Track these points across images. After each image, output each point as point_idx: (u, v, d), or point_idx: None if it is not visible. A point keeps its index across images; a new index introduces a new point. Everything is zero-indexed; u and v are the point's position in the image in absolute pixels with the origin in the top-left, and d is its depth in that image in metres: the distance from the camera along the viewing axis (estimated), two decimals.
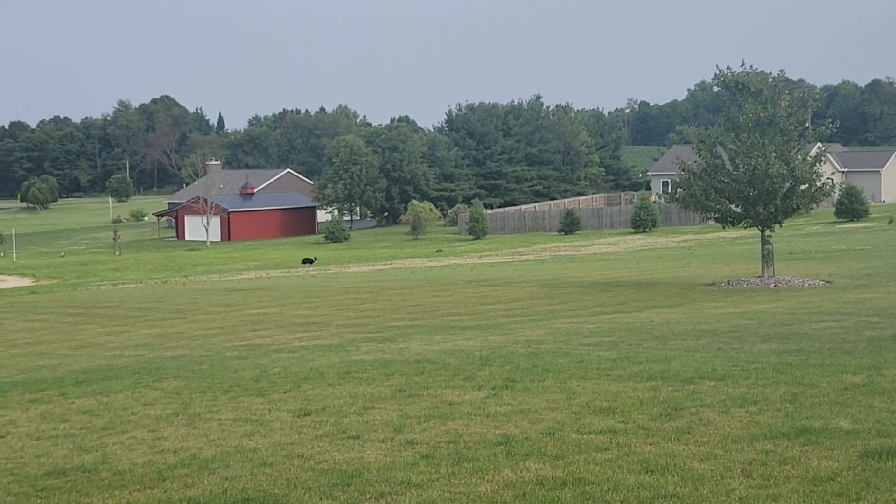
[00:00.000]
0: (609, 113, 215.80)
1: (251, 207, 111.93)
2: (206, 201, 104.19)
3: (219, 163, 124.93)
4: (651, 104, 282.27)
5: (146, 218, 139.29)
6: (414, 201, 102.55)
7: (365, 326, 24.25)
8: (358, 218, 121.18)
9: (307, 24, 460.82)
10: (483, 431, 10.26)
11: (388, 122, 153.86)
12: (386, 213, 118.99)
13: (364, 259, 70.09)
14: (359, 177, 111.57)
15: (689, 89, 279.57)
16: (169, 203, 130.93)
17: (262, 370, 16.00)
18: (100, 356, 21.29)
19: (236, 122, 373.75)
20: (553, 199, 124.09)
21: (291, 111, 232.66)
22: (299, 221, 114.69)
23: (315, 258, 67.88)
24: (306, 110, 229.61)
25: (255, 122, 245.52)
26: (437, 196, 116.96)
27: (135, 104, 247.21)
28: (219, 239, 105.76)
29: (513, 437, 9.92)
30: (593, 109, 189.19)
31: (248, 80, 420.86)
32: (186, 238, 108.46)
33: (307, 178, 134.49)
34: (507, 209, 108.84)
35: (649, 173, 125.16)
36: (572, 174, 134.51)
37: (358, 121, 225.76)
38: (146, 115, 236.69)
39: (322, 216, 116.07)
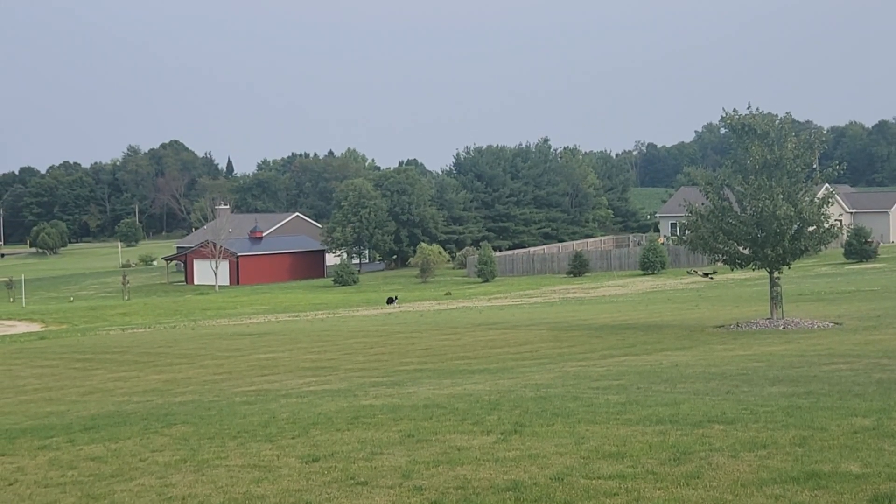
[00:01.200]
0: (617, 155, 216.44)
1: (260, 251, 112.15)
2: (214, 245, 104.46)
3: (228, 207, 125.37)
4: (658, 146, 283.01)
5: (155, 262, 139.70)
6: (422, 244, 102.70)
7: (374, 371, 24.21)
8: (367, 261, 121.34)
9: (315, 68, 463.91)
10: (492, 477, 10.22)
11: (397, 165, 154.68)
12: (395, 256, 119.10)
13: (373, 302, 70.05)
14: (367, 220, 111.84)
15: (696, 131, 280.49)
16: (178, 247, 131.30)
17: (271, 416, 15.97)
18: (108, 402, 21.28)
19: (245, 167, 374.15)
20: (561, 241, 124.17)
21: (300, 155, 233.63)
22: (308, 265, 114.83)
23: (396, 297, 68.12)
24: (315, 154, 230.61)
25: (263, 166, 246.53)
26: (446, 239, 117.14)
27: (144, 149, 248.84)
28: (227, 283, 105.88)
29: (521, 482, 9.88)
30: (601, 151, 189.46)
31: (257, 124, 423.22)
32: (195, 282, 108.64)
33: (316, 221, 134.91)
34: (516, 252, 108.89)
35: (657, 215, 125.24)
36: (580, 216, 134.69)
37: (366, 164, 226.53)
38: (155, 160, 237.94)
39: (331, 259, 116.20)
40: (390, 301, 66.05)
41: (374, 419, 14.64)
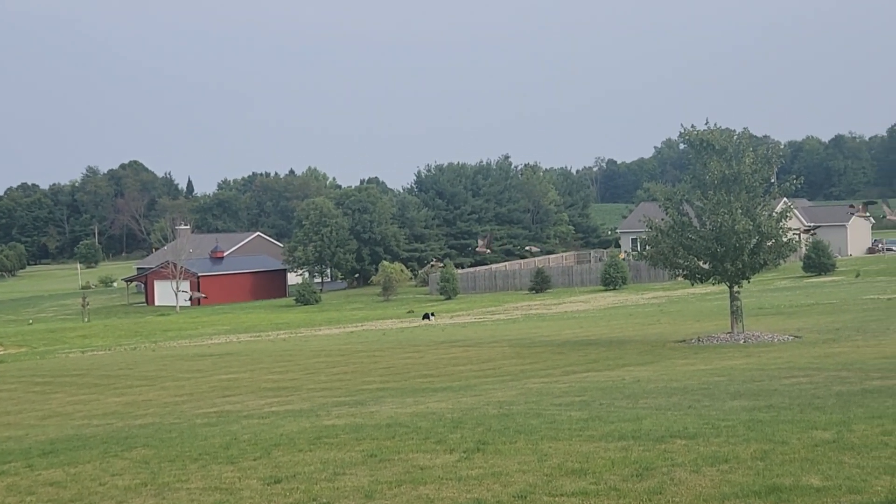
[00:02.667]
0: (577, 171, 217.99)
1: (221, 271, 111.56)
2: (175, 266, 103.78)
3: (188, 227, 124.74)
4: (618, 162, 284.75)
5: (115, 284, 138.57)
6: (384, 262, 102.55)
7: (336, 390, 24.12)
8: (329, 280, 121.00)
9: (275, 87, 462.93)
10: (455, 496, 10.19)
11: (358, 183, 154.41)
12: (357, 275, 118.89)
13: (335, 321, 69.86)
14: (329, 239, 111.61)
15: (655, 147, 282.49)
16: (138, 268, 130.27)
17: (232, 437, 15.85)
18: (67, 426, 21.04)
19: (205, 187, 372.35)
20: (523, 258, 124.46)
21: (261, 174, 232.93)
22: (269, 284, 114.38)
23: (433, 313, 67.12)
24: (276, 173, 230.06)
25: (224, 185, 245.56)
26: (408, 256, 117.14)
27: (103, 170, 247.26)
28: (188, 304, 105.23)
29: (484, 500, 9.85)
30: (561, 168, 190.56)
31: (217, 144, 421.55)
32: (156, 303, 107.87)
33: (277, 240, 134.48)
34: (478, 269, 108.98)
35: (618, 230, 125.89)
36: (542, 232, 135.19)
37: (328, 183, 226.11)
38: (114, 181, 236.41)
39: (292, 279, 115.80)
40: (427, 317, 64.68)
41: (337, 439, 14.57)
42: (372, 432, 15.02)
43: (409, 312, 75.08)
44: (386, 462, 12.32)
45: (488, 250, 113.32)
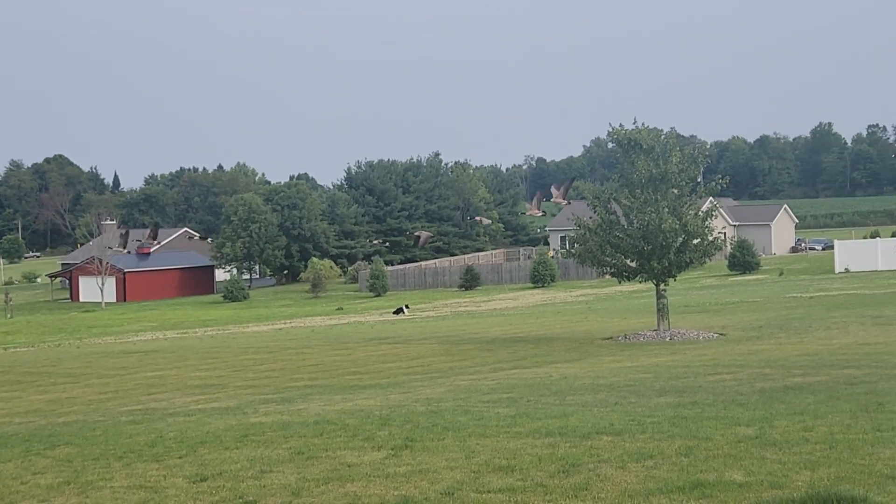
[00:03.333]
0: (507, 169, 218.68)
1: (147, 267, 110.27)
2: (101, 262, 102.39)
3: (114, 222, 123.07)
4: (548, 160, 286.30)
5: (39, 279, 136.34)
6: (314, 259, 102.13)
7: (263, 388, 23.99)
8: (257, 276, 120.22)
9: (203, 80, 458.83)
10: (382, 493, 10.18)
11: (288, 179, 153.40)
12: (286, 271, 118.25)
13: (263, 318, 69.45)
14: (258, 235, 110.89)
15: (584, 146, 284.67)
16: (63, 264, 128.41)
17: (158, 435, 15.69)
18: None
19: (132, 181, 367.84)
20: (453, 255, 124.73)
21: (189, 169, 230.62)
22: (197, 281, 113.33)
23: (407, 305, 65.49)
24: (204, 168, 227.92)
25: (151, 180, 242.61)
26: (338, 253, 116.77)
27: (27, 163, 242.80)
28: (114, 300, 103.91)
29: (412, 498, 9.86)
30: (491, 166, 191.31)
31: (145, 138, 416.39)
32: (81, 299, 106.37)
33: (205, 236, 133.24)
34: (408, 266, 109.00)
35: (547, 228, 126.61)
36: (472, 230, 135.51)
37: (256, 179, 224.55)
38: (39, 175, 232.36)
39: (220, 275, 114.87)
40: (399, 311, 63.11)
41: (264, 437, 14.49)
42: (299, 430, 14.96)
43: (338, 309, 74.86)
44: (313, 459, 12.27)
45: (422, 247, 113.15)
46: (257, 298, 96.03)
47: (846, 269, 73.16)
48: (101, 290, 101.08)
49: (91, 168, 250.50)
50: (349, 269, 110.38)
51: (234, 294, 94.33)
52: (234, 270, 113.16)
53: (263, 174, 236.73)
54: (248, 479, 11.36)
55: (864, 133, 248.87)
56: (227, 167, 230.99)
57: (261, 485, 10.99)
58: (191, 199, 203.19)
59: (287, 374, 27.14)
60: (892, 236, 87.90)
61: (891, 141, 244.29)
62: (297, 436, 14.31)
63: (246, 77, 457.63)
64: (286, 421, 16.28)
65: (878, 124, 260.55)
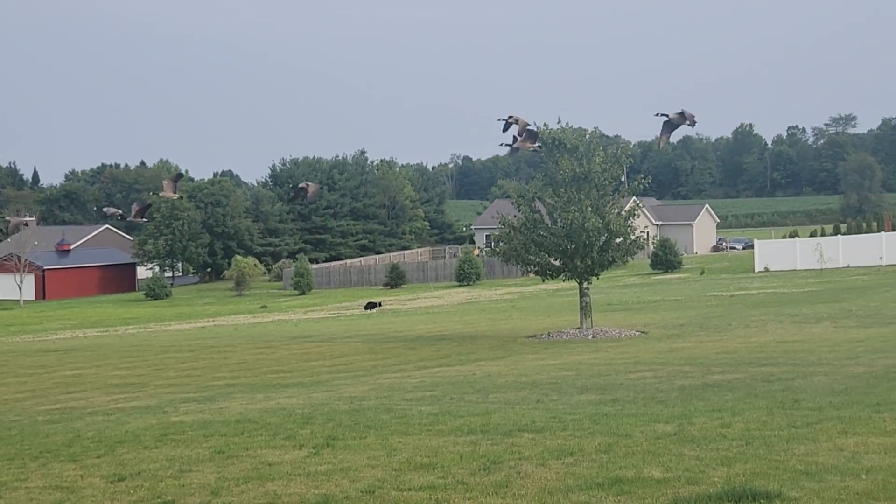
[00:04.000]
0: (433, 168, 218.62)
1: (68, 265, 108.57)
2: (19, 259, 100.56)
3: (33, 219, 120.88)
4: (474, 159, 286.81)
5: None
6: (238, 257, 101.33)
7: (185, 386, 23.73)
8: (180, 274, 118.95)
9: (126, 74, 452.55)
10: (302, 492, 10.13)
11: (211, 176, 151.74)
12: (209, 269, 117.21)
13: (186, 316, 68.76)
14: (180, 232, 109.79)
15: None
16: None
17: (75, 434, 15.45)
18: None
19: (52, 177, 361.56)
20: (379, 253, 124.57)
21: (110, 165, 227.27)
22: (118, 279, 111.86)
23: (380, 302, 63.70)
24: (126, 165, 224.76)
25: (71, 176, 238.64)
26: (262, 251, 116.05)
27: None
28: (33, 298, 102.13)
29: (332, 496, 9.82)
30: (418, 164, 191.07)
31: (65, 133, 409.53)
32: None
33: (126, 234, 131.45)
34: (333, 264, 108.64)
35: (473, 227, 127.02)
36: (397, 228, 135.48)
37: None
38: None
39: (142, 273, 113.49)
40: (371, 306, 61.58)
41: (184, 436, 14.35)
42: (220, 428, 14.84)
43: (262, 308, 74.38)
44: (234, 458, 12.18)
45: (311, 201, 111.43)
46: (180, 296, 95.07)
47: (766, 268, 74.37)
48: (20, 288, 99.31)
49: (9, 163, 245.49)
50: (273, 267, 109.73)
51: (156, 292, 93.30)
52: (157, 268, 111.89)
53: (187, 171, 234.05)
54: (167, 478, 11.24)
55: (784, 134, 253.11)
56: (149, 164, 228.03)
57: (180, 484, 10.87)
58: (112, 196, 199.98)
59: (209, 372, 26.90)
60: (811, 236, 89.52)
61: (810, 143, 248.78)
62: (218, 435, 14.19)
63: (169, 71, 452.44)
64: (207, 420, 16.14)
65: (797, 126, 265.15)
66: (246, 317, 63.55)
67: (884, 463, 9.98)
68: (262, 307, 75.01)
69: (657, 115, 26.04)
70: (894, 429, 11.85)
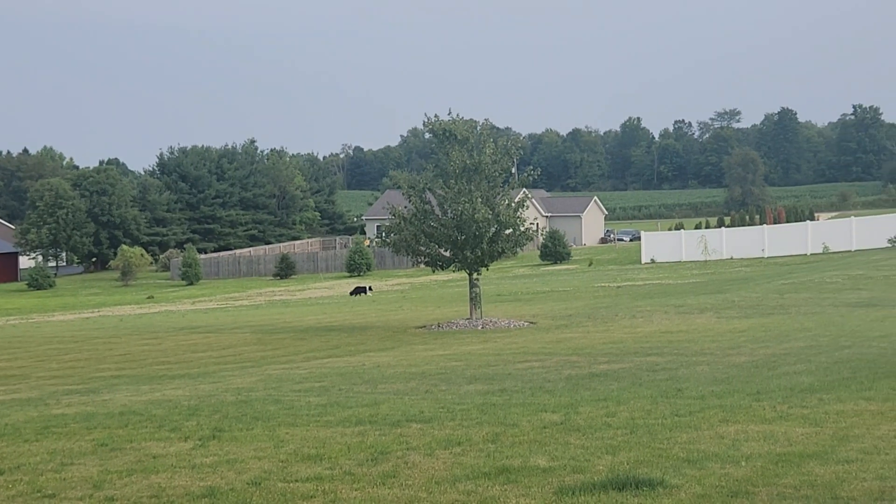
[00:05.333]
0: (324, 158, 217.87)
1: None
2: None
3: None
4: (365, 150, 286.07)
5: None
6: (124, 246, 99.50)
7: (68, 378, 23.25)
8: (64, 264, 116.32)
9: (5, 58, 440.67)
10: (187, 484, 10.01)
11: (97, 164, 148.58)
12: (94, 259, 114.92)
13: (70, 307, 67.36)
14: (65, 221, 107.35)
15: (402, 136, 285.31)
16: None
17: None
18: None
19: None
20: (268, 243, 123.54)
21: None
22: None
23: (369, 287, 60.65)
24: (7, 152, 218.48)
25: None
26: (149, 241, 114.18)
27: None
28: None
29: (218, 488, 9.72)
30: (308, 154, 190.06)
31: None
32: None
33: (8, 222, 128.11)
34: (222, 254, 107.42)
35: (364, 217, 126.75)
36: (287, 218, 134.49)
37: (64, 163, 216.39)
38: None
39: (25, 262, 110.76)
40: (360, 291, 58.91)
41: (66, 428, 14.05)
42: (104, 421, 14.58)
43: (148, 298, 73.25)
44: (117, 451, 11.98)
45: None
46: (64, 286, 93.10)
47: (652, 259, 75.63)
48: None
49: None
50: (161, 256, 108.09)
51: (39, 282, 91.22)
52: (40, 258, 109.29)
53: (72, 158, 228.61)
54: (47, 472, 11.00)
55: (671, 128, 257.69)
56: (32, 151, 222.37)
57: (61, 478, 10.66)
58: None
59: (93, 364, 26.40)
60: (696, 228, 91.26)
61: (695, 136, 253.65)
62: (102, 427, 13.94)
63: (52, 55, 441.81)
64: (90, 412, 15.84)
65: (683, 120, 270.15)
66: (132, 307, 62.52)
67: (762, 450, 10.24)
68: (148, 298, 73.86)
69: None
70: (773, 416, 12.17)
